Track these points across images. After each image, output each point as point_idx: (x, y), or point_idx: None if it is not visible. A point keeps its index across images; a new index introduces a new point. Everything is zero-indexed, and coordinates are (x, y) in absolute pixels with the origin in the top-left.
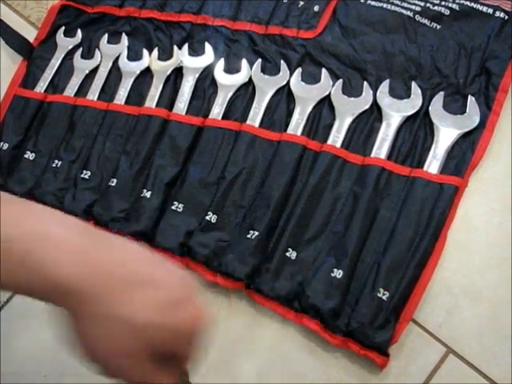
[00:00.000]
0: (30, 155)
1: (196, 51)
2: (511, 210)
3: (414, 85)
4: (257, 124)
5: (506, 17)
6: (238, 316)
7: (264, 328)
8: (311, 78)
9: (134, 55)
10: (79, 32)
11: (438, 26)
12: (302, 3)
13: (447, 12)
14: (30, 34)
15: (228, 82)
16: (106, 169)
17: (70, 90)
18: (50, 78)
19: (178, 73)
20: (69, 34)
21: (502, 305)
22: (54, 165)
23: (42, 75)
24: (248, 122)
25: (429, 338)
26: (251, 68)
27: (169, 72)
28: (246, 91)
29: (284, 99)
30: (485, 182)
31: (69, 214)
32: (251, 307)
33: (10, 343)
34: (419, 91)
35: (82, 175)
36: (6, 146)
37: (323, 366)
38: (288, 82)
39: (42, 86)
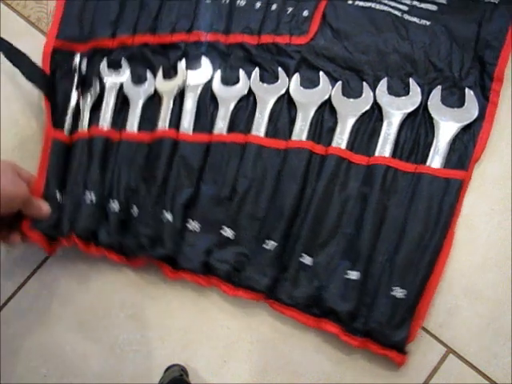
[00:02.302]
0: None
1: (193, 68)
2: (511, 210)
3: (411, 81)
4: (262, 134)
5: (497, 1)
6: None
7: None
8: (310, 83)
9: (137, 80)
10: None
11: (428, 22)
12: (290, 9)
13: (434, 8)
14: (30, 34)
15: (227, 94)
16: (128, 198)
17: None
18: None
19: (179, 93)
20: (67, 76)
21: (502, 305)
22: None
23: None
24: (253, 132)
25: (429, 337)
26: (249, 79)
27: (175, 91)
28: (247, 102)
29: (285, 106)
30: (485, 182)
31: (105, 249)
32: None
33: (10, 343)
34: (418, 88)
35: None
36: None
37: (326, 367)
38: (287, 89)
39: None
